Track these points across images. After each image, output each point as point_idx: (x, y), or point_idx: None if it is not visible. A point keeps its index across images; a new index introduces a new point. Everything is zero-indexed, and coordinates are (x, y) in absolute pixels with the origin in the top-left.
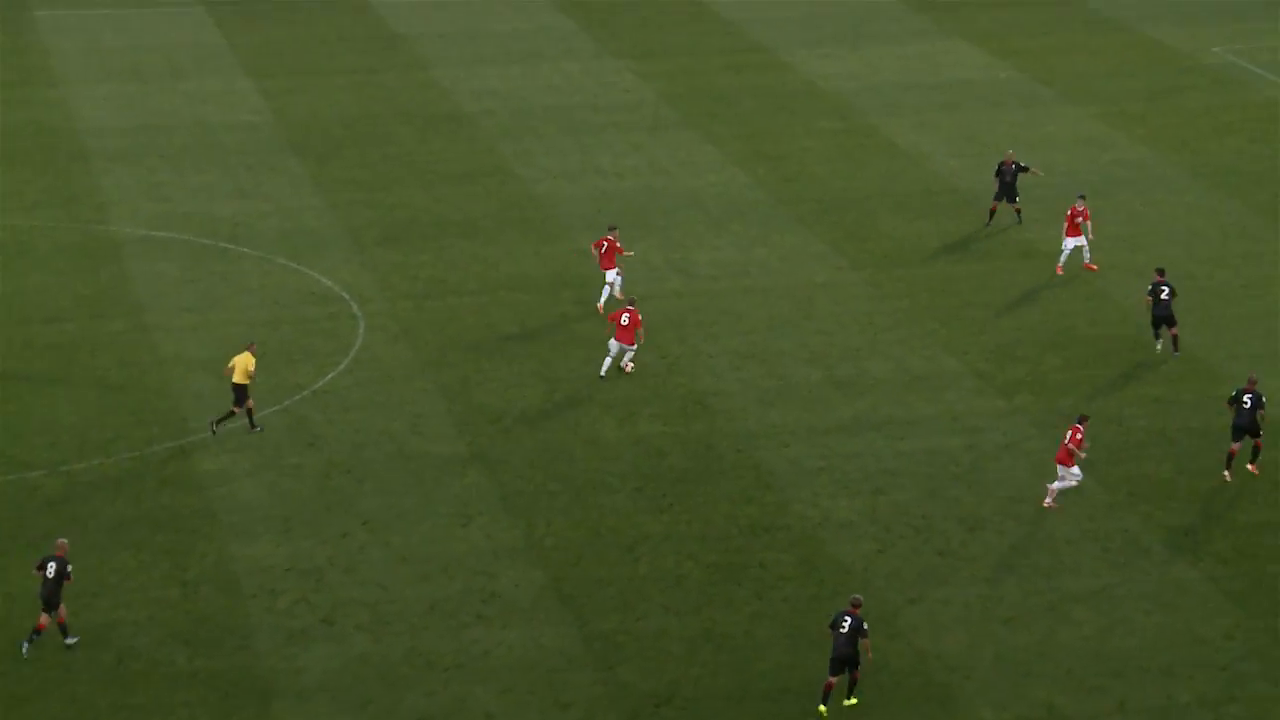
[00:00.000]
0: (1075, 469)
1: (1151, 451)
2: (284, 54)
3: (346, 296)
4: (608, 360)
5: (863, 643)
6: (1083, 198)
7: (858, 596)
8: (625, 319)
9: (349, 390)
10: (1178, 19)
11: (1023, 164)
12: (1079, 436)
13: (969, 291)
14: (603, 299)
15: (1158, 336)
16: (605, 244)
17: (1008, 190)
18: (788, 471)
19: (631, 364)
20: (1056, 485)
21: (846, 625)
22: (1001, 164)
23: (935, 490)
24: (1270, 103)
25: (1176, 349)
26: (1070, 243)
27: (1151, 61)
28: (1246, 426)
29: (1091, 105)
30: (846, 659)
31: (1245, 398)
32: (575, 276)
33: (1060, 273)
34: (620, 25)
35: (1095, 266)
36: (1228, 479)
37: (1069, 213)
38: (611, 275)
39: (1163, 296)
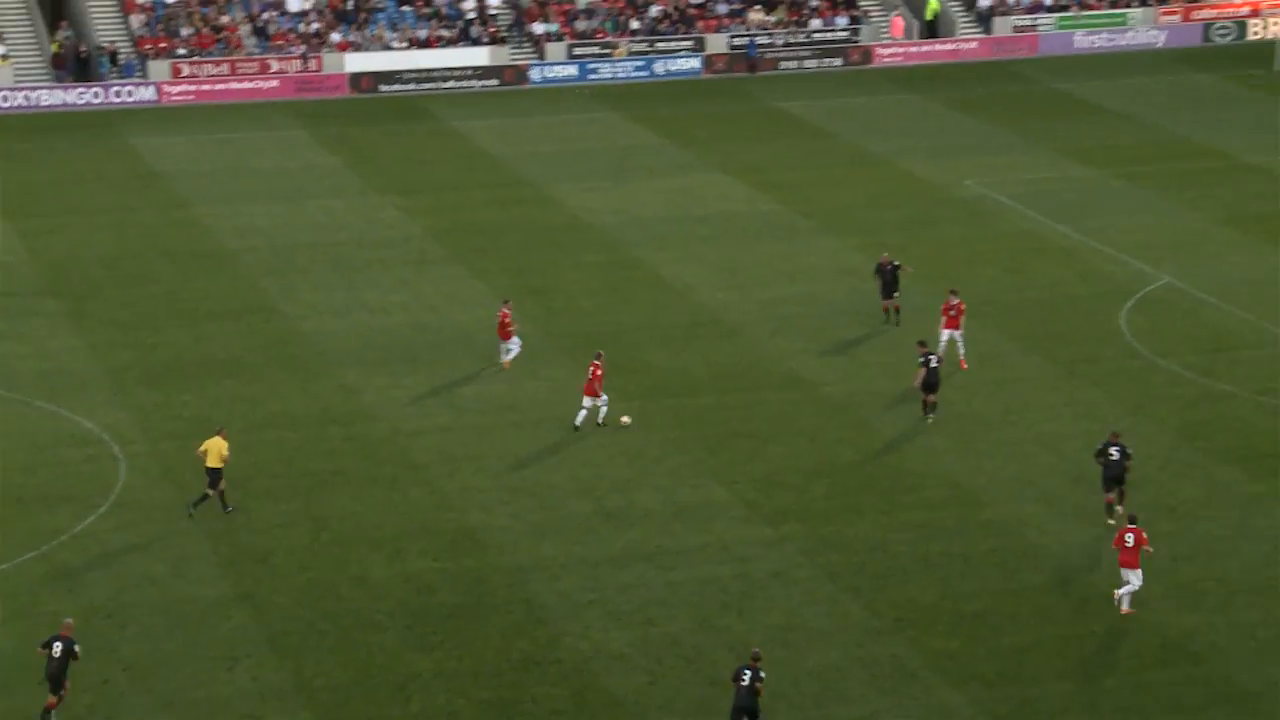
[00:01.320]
0: (1139, 571)
1: (916, 577)
2: (40, 194)
3: (107, 438)
4: (581, 413)
5: (757, 685)
6: (954, 292)
7: (757, 650)
8: (589, 371)
9: (110, 534)
10: (931, 153)
11: (897, 263)
12: (1144, 535)
13: (736, 421)
14: (507, 358)
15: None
16: (503, 315)
17: (887, 288)
18: (559, 605)
19: (604, 417)
20: (1126, 590)
21: (747, 678)
22: (879, 264)
23: (706, 620)
24: (1022, 233)
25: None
26: (947, 334)
27: (908, 193)
28: (1116, 476)
29: (850, 236)
30: (747, 709)
31: (1111, 449)
32: (342, 414)
33: (964, 367)
34: (385, 162)
35: (966, 364)
36: (1111, 524)
37: (944, 307)
38: (512, 343)
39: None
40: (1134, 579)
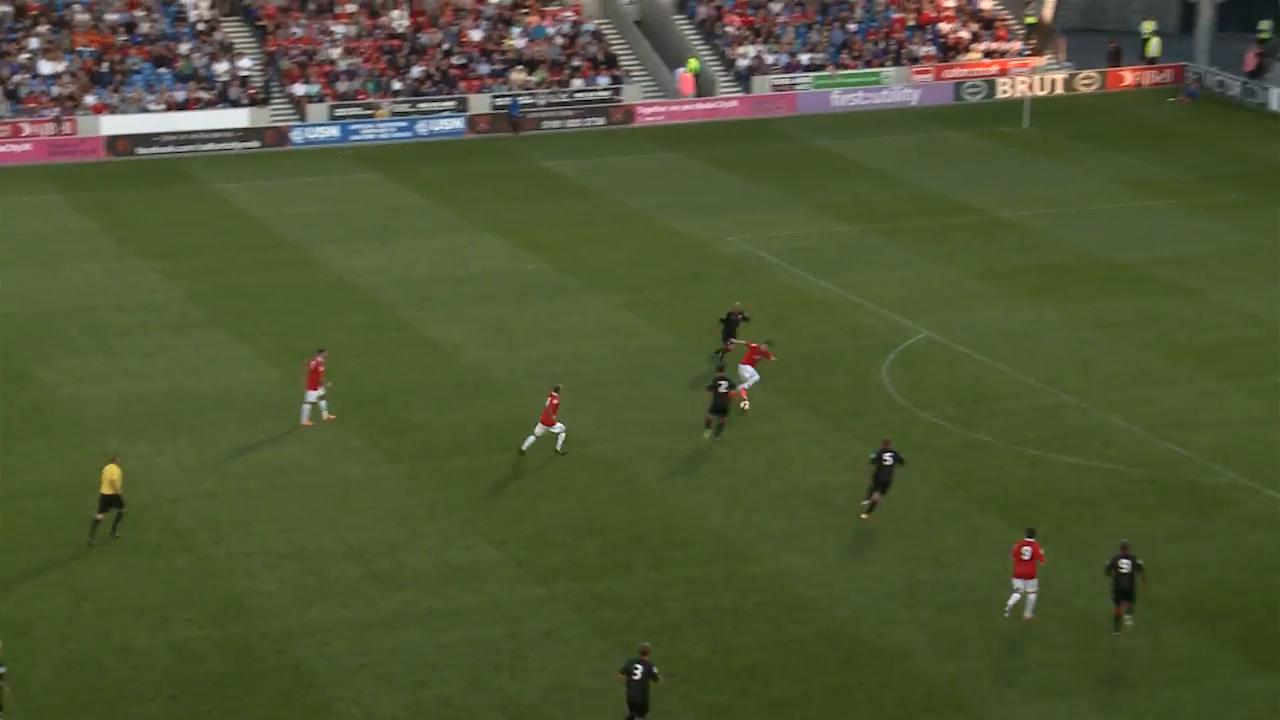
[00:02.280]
0: (1035, 580)
1: (687, 632)
2: None
3: None
4: (530, 439)
5: (653, 684)
6: (765, 340)
7: (646, 644)
8: (547, 402)
9: None
10: (695, 210)
11: (746, 314)
12: (1041, 551)
13: (505, 480)
14: (304, 416)
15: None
16: (313, 364)
17: (729, 332)
18: (328, 670)
19: (561, 444)
20: (1028, 599)
21: (639, 672)
22: (730, 313)
23: (478, 680)
24: (785, 289)
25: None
26: (746, 371)
27: (672, 251)
28: (1127, 589)
29: (617, 294)
30: (638, 704)
31: (1122, 562)
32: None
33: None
34: (144, 225)
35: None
36: (1117, 635)
37: (750, 348)
38: (313, 395)
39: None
40: (1030, 587)
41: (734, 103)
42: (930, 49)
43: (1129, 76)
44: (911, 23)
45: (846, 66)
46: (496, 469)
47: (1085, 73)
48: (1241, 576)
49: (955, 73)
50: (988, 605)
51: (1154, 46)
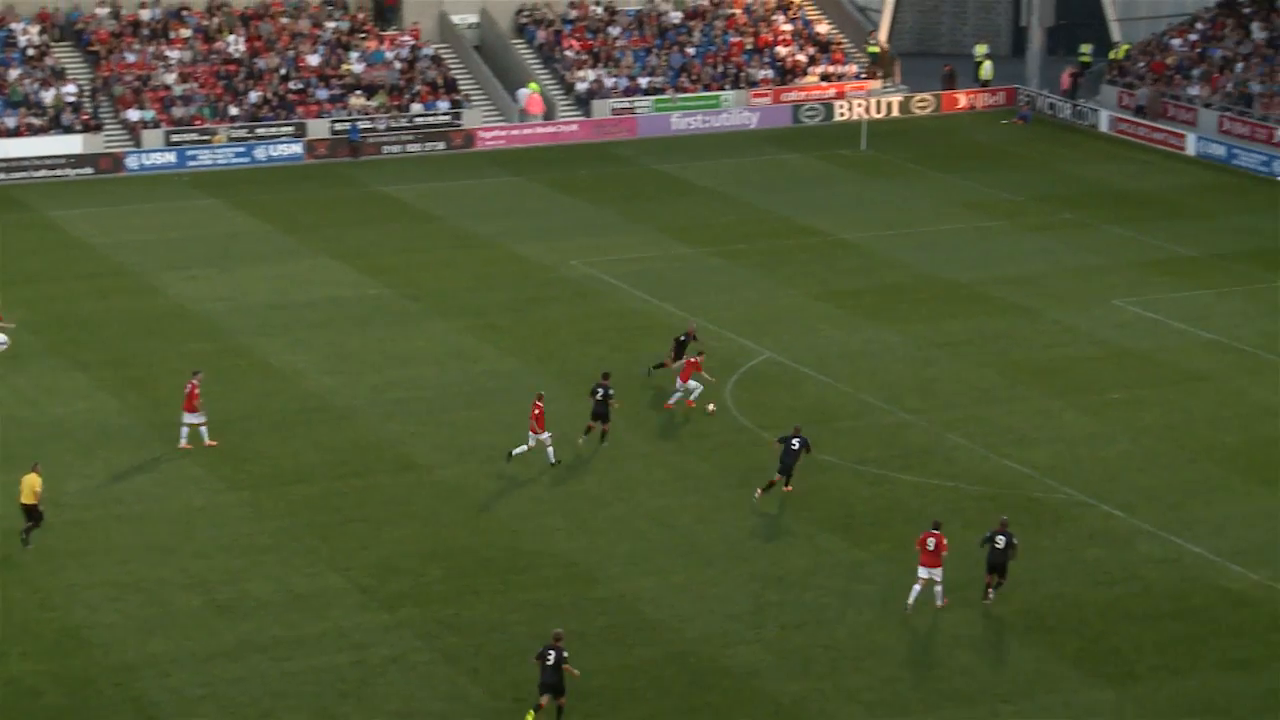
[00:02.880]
0: (940, 569)
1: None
2: None
3: None
4: (522, 448)
5: (566, 669)
6: (696, 347)
7: (559, 630)
8: (536, 410)
9: None
10: (537, 234)
11: (694, 335)
12: (944, 541)
13: (349, 507)
14: (183, 439)
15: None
16: (188, 387)
17: (679, 351)
18: (170, 702)
19: (552, 455)
20: (935, 589)
21: (552, 657)
22: (686, 333)
23: (324, 709)
24: (628, 311)
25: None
26: (690, 384)
27: (515, 274)
28: (999, 565)
29: (459, 319)
30: (552, 685)
31: (998, 538)
32: None
33: (712, 410)
34: None
35: (693, 403)
36: (986, 603)
37: (688, 363)
38: (190, 418)
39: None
40: (936, 575)
41: (574, 126)
42: (768, 72)
43: (963, 99)
44: (749, 46)
45: (686, 90)
46: (340, 496)
47: (920, 95)
48: (1079, 591)
49: (793, 96)
50: (834, 624)
51: (987, 70)
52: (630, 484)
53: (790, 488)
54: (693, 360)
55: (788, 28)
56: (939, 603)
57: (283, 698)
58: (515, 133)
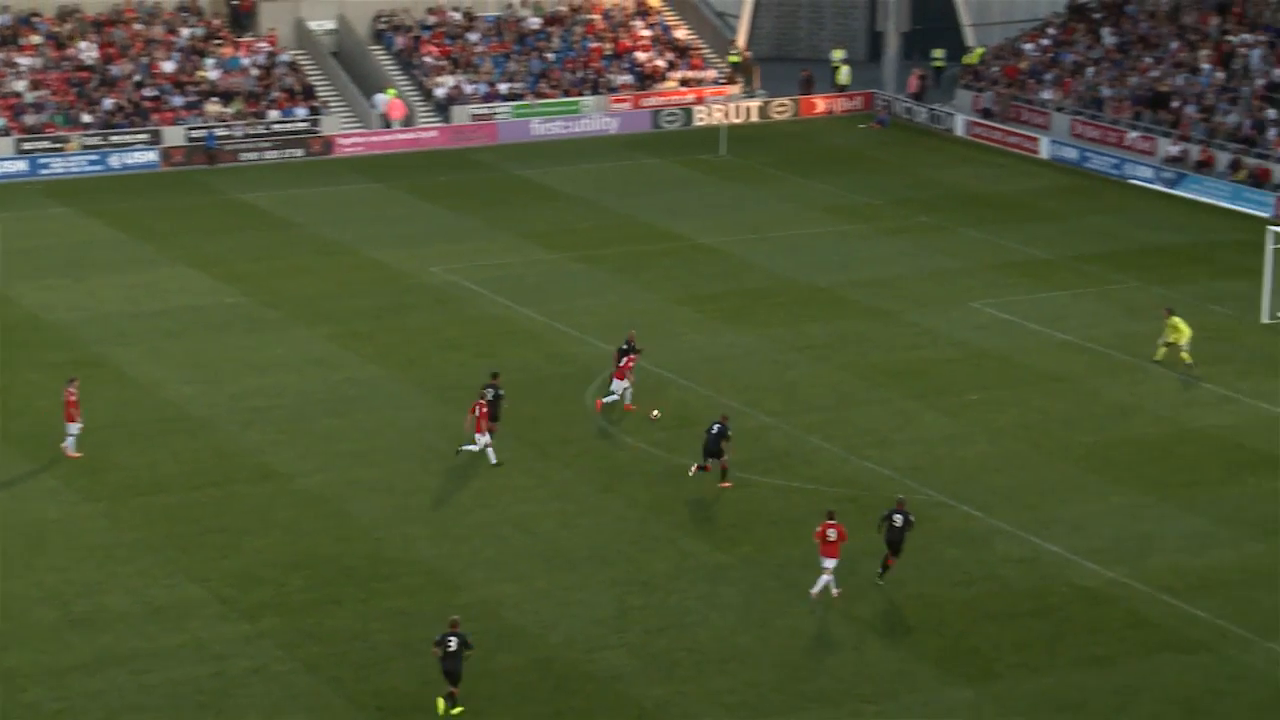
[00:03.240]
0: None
1: (397, 665)
2: None
3: None
4: (471, 446)
5: (467, 654)
6: (632, 344)
7: (455, 617)
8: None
9: None
10: (398, 241)
11: (633, 342)
12: (844, 530)
13: (209, 517)
14: (70, 448)
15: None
16: (66, 395)
17: (621, 356)
18: (26, 717)
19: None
20: (825, 579)
21: (453, 644)
22: (627, 341)
23: None
24: (490, 318)
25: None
26: (624, 383)
27: (376, 281)
28: (896, 541)
29: (320, 326)
30: (453, 672)
31: (895, 516)
32: None
33: (630, 409)
34: None
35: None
36: (880, 583)
37: (622, 363)
38: (74, 428)
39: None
40: (830, 564)
41: (434, 133)
42: (628, 78)
43: (821, 104)
44: (609, 52)
45: (545, 95)
46: (199, 506)
47: (779, 100)
48: (939, 591)
49: (653, 101)
50: (697, 628)
51: (844, 74)
52: (493, 490)
53: (709, 469)
54: (629, 360)
55: (647, 33)
56: (834, 591)
57: (141, 711)
58: (374, 139)
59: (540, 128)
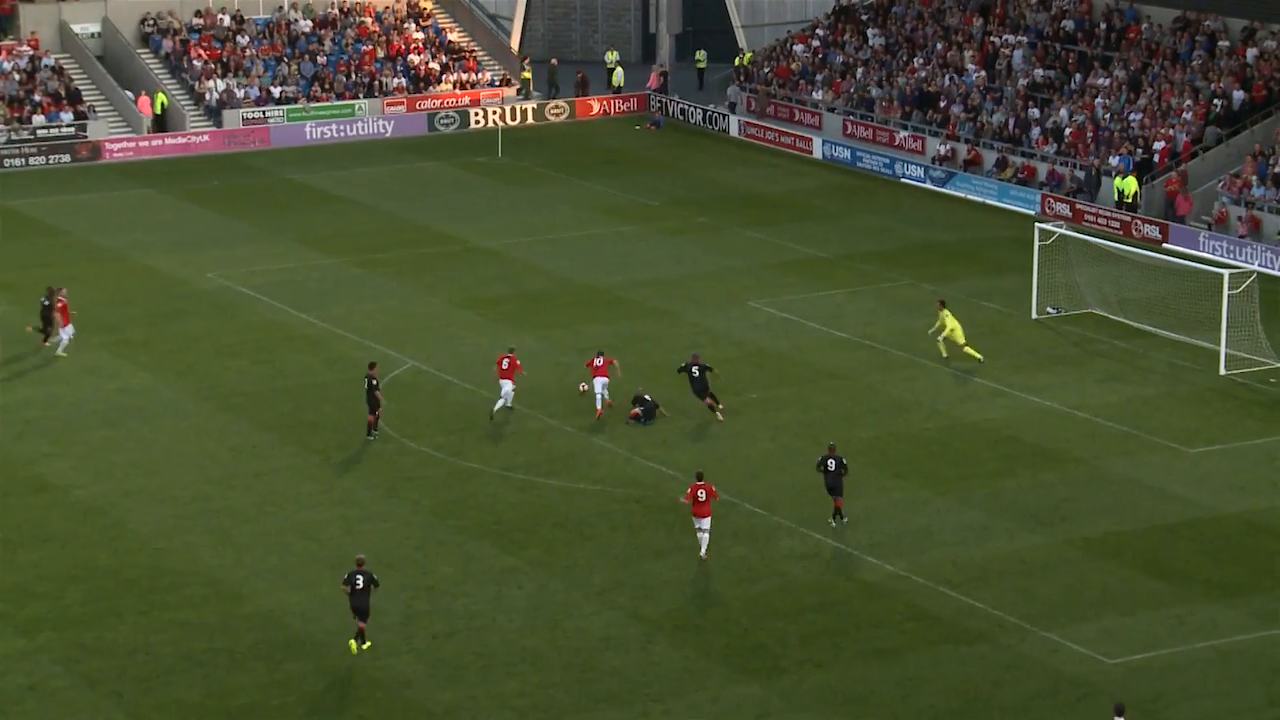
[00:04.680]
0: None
1: (180, 677)
2: None
3: None
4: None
5: (373, 590)
6: (512, 350)
7: (361, 555)
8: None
9: None
10: (171, 247)
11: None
12: (714, 490)
13: None
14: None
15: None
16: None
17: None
18: None
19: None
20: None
21: (360, 581)
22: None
23: None
24: (268, 324)
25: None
26: (506, 385)
27: (149, 288)
28: (834, 485)
29: (92, 335)
30: (362, 608)
31: (829, 461)
32: None
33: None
34: None
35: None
36: (833, 524)
37: (503, 363)
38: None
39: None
40: (706, 525)
41: (205, 137)
42: (402, 81)
43: (597, 105)
44: (382, 55)
45: (319, 99)
46: None
47: (555, 103)
48: (725, 589)
49: (428, 104)
50: (485, 631)
51: (618, 76)
52: (276, 498)
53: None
54: (512, 359)
55: (420, 36)
56: (702, 553)
57: None
58: (144, 144)
59: (315, 131)
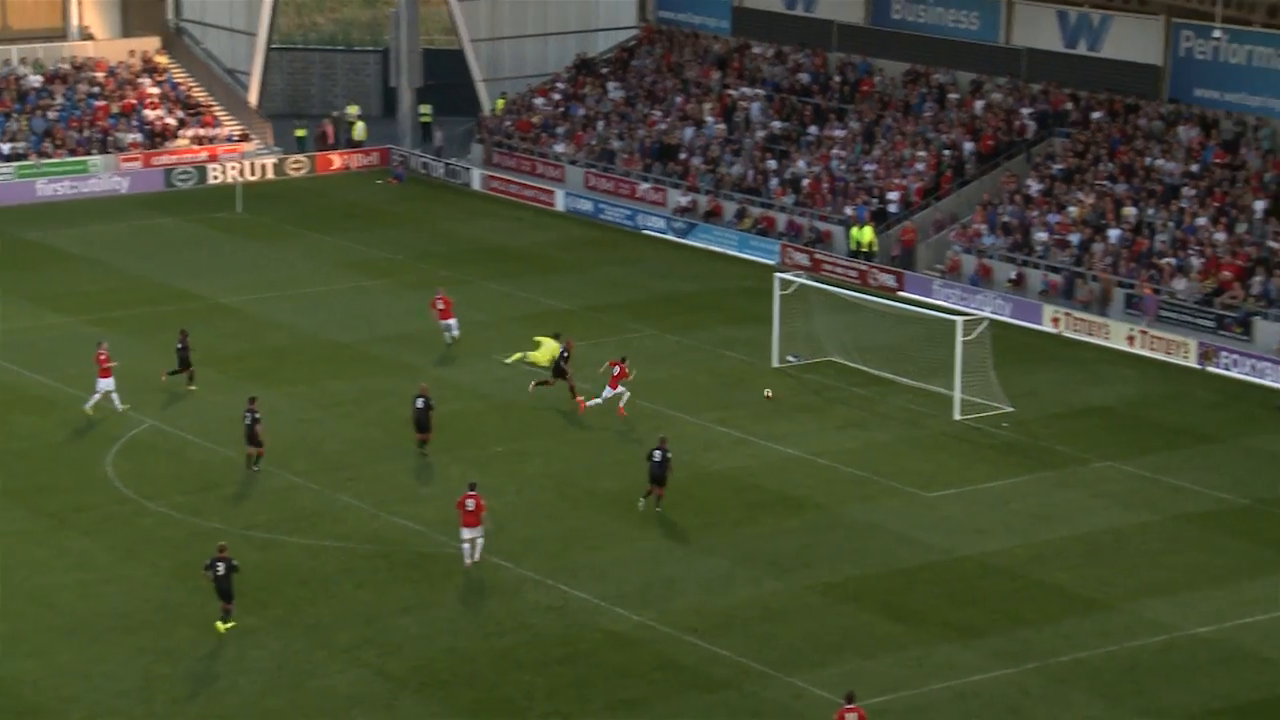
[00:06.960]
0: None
1: None
2: None
3: None
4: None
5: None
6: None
7: (223, 543)
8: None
9: None
10: None
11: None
12: (482, 502)
13: None
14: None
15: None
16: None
17: (558, 371)
18: None
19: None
20: (468, 547)
21: (221, 568)
22: (565, 347)
23: None
24: None
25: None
26: (619, 390)
27: None
28: (658, 476)
29: None
30: (226, 590)
31: (655, 453)
32: None
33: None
34: None
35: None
36: (640, 505)
37: (619, 370)
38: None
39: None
40: (477, 534)
41: None
42: (137, 136)
43: (338, 160)
44: (115, 110)
45: (50, 155)
46: None
47: (295, 157)
48: (471, 643)
49: (164, 159)
50: (225, 694)
51: (360, 130)
52: (10, 564)
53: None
54: (621, 366)
55: (155, 90)
56: (476, 557)
57: None
58: None
59: (47, 188)
